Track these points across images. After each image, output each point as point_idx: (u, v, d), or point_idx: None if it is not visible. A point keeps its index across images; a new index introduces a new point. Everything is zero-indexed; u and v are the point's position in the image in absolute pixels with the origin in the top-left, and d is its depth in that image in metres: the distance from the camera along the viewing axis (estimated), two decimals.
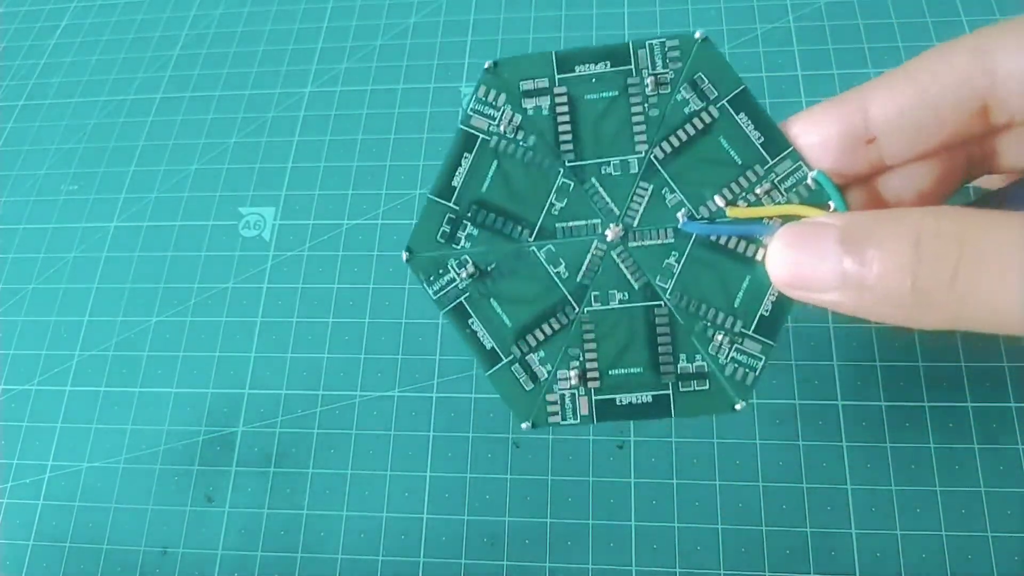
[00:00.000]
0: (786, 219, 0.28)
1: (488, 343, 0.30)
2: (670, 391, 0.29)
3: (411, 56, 0.57)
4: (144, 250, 0.52)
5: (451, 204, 0.31)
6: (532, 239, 0.30)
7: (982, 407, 0.41)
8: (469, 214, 0.31)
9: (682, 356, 0.29)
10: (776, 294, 0.28)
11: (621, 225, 0.29)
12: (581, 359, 0.29)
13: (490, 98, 0.31)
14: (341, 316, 0.48)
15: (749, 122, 0.29)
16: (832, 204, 0.28)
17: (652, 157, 0.29)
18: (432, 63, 0.56)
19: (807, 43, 0.52)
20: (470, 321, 0.30)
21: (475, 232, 0.31)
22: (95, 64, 0.62)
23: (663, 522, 0.41)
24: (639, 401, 0.29)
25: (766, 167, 0.29)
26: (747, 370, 0.29)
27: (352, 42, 0.58)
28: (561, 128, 0.30)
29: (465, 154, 0.31)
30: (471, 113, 0.31)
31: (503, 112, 0.31)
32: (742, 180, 0.29)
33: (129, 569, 0.44)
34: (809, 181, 0.29)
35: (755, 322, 0.29)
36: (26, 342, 0.52)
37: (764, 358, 0.28)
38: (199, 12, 0.63)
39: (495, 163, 0.30)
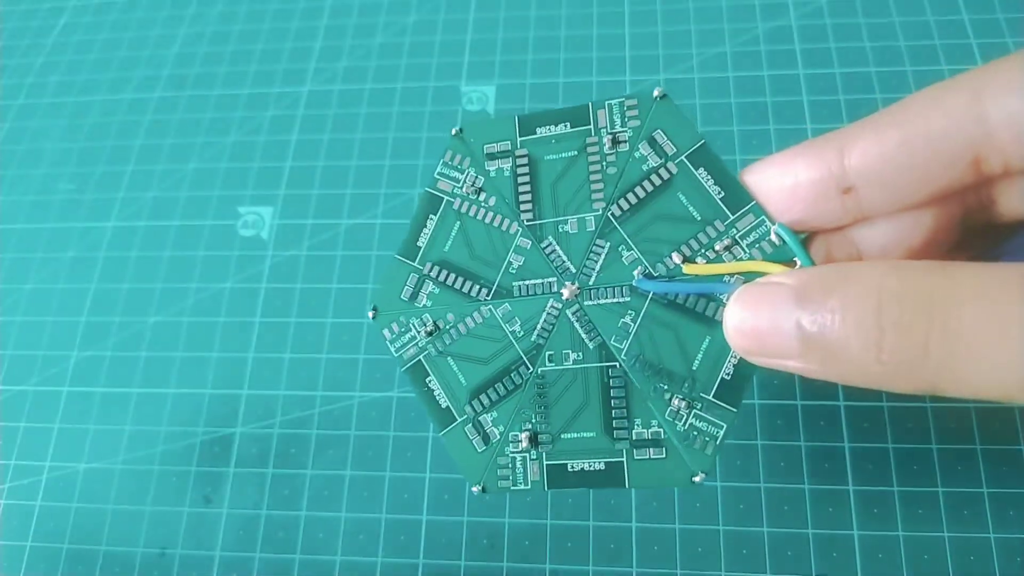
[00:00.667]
0: (749, 278, 0.27)
1: (443, 402, 0.30)
2: (624, 458, 0.28)
3: (410, 54, 0.56)
4: (142, 250, 0.52)
5: (415, 264, 0.31)
6: (489, 298, 0.30)
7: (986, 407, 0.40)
8: (431, 273, 0.31)
9: (637, 421, 0.29)
10: (738, 357, 0.28)
11: (577, 283, 0.29)
12: (534, 421, 0.29)
13: (455, 162, 0.31)
14: (340, 316, 0.48)
15: (709, 177, 0.29)
16: (798, 260, 0.26)
17: (609, 214, 0.29)
18: (431, 61, 0.56)
19: (809, 42, 0.51)
20: (428, 379, 0.30)
21: (436, 291, 0.31)
22: (93, 63, 0.62)
23: (664, 523, 0.41)
24: (591, 468, 0.29)
25: (727, 222, 0.28)
26: (706, 438, 0.28)
27: (351, 40, 0.58)
28: (521, 188, 0.31)
29: (430, 215, 0.31)
30: (437, 177, 0.32)
31: (467, 175, 0.31)
32: (701, 236, 0.28)
33: (127, 570, 0.45)
34: (772, 236, 0.28)
35: (715, 386, 0.28)
36: (23, 342, 0.52)
37: (725, 426, 0.28)
38: (197, 11, 0.63)
39: (458, 224, 0.31)
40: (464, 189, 0.30)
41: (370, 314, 0.30)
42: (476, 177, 0.30)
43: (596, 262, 0.29)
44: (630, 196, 0.29)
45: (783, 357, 0.23)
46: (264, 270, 0.49)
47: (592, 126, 0.30)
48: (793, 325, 0.22)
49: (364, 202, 0.50)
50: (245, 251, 0.50)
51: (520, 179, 0.30)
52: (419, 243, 0.30)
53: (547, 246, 0.29)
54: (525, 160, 0.30)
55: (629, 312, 0.29)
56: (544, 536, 0.41)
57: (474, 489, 0.29)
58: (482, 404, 0.30)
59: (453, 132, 0.31)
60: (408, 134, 0.52)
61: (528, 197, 0.30)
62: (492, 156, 0.30)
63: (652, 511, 0.41)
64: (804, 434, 0.40)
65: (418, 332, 0.30)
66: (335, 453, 0.44)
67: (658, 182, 0.29)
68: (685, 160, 0.29)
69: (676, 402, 0.28)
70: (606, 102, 0.29)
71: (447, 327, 0.30)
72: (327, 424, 0.45)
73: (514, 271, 0.30)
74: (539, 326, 0.29)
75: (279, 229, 0.50)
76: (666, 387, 0.28)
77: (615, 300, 0.29)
